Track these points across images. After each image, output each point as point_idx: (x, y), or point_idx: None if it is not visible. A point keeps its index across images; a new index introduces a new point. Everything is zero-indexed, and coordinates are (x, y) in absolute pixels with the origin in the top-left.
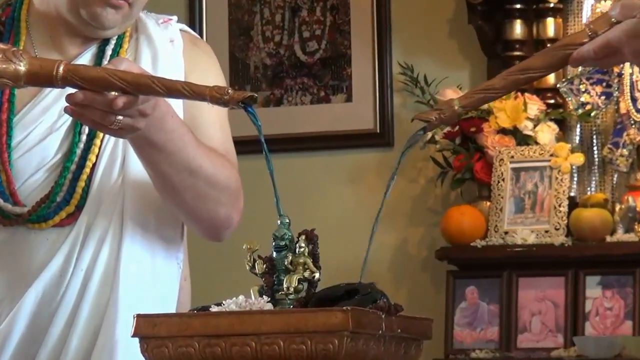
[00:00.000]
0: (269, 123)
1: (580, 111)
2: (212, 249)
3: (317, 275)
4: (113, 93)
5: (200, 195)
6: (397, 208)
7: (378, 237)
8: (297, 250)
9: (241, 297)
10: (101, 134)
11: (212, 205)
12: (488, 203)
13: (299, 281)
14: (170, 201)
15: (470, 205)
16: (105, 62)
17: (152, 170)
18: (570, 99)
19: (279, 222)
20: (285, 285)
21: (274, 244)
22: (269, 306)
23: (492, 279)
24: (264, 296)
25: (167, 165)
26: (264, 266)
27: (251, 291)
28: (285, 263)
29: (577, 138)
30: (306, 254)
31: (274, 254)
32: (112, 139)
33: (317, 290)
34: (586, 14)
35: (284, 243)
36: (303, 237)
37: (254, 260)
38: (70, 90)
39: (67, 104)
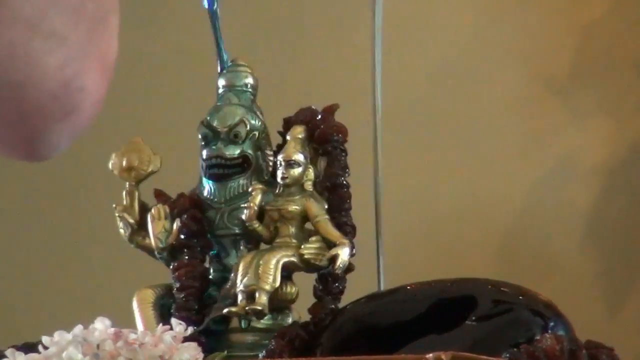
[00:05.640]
0: None
1: None
2: (20, 191)
3: (343, 253)
4: None
5: None
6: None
7: (550, 190)
8: (281, 174)
9: (101, 325)
10: None
11: (20, 40)
12: None
13: (286, 271)
14: None
15: None
16: None
17: None
18: None
19: (219, 88)
20: (240, 287)
21: (205, 155)
22: (193, 350)
23: None
24: (172, 319)
25: None
26: (175, 225)
27: (134, 304)
28: (244, 216)
29: None
30: (307, 185)
31: (207, 187)
32: None
33: (341, 302)
34: None
35: (238, 152)
36: (300, 132)
37: (143, 209)
38: None
39: None
